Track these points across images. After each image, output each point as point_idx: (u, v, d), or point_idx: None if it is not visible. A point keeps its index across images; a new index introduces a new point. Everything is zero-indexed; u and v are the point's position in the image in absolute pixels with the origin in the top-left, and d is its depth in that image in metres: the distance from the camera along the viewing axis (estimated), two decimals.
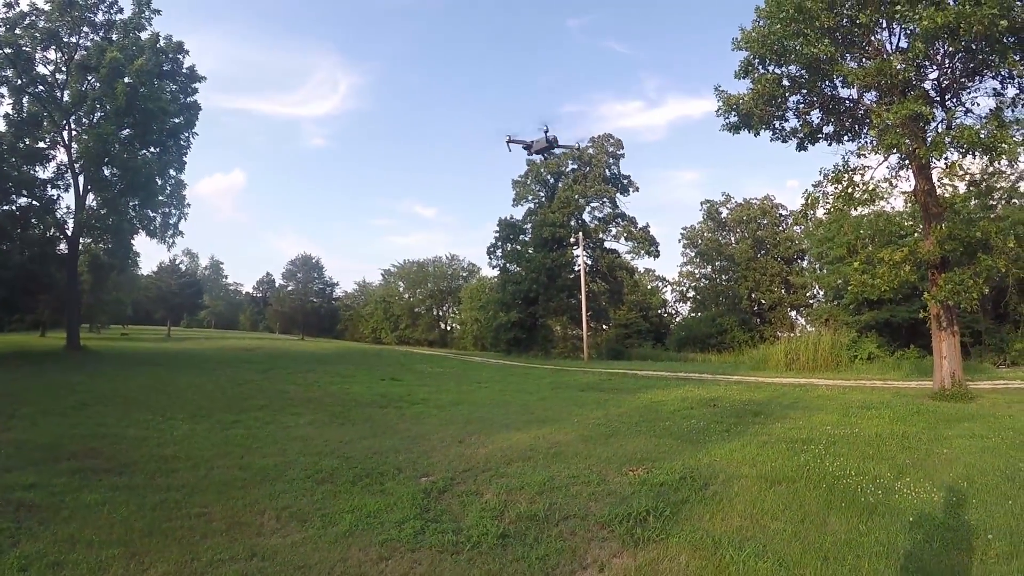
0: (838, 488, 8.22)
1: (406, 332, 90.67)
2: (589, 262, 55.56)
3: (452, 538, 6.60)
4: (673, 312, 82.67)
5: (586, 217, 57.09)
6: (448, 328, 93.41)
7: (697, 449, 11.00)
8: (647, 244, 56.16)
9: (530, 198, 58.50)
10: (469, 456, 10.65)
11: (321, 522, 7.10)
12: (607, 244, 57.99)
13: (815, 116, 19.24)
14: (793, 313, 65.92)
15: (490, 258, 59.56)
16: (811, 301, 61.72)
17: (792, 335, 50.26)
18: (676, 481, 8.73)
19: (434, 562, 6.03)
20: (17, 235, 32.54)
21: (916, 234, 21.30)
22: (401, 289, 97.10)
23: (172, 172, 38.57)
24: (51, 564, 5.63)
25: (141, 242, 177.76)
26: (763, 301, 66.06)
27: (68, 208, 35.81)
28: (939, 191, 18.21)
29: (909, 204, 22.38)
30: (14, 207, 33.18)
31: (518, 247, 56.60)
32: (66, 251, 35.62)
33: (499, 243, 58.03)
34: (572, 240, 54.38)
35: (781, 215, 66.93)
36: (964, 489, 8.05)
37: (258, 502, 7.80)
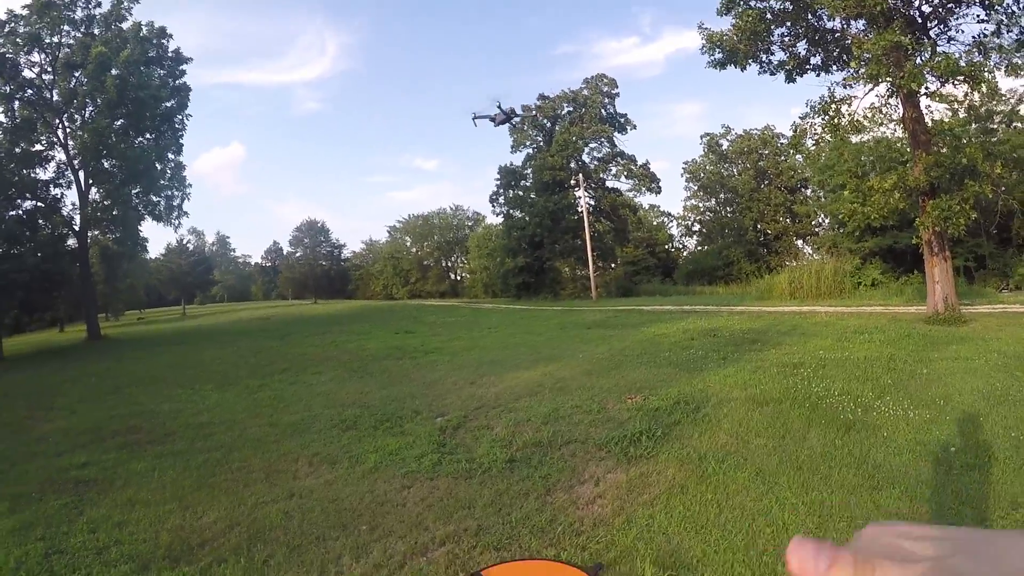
0: (821, 407, 8.86)
1: (417, 286, 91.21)
2: (592, 202, 55.70)
3: (466, 466, 7.37)
4: (680, 246, 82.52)
5: (585, 158, 57.07)
6: (458, 278, 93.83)
7: (693, 376, 11.68)
8: (648, 181, 56.29)
9: (528, 143, 58.40)
10: (480, 396, 11.43)
11: (349, 463, 7.88)
12: (608, 183, 58.10)
13: (801, 48, 19.19)
14: (799, 242, 65.83)
15: (493, 206, 59.89)
16: (816, 229, 61.75)
17: (797, 264, 50.53)
18: (670, 406, 9.45)
19: (450, 486, 6.79)
20: (27, 237, 32.86)
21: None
22: (408, 244, 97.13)
23: (170, 155, 38.86)
24: (116, 524, 6.33)
25: (148, 227, 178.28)
26: (768, 231, 66.04)
27: (73, 204, 36.19)
28: (928, 118, 18.37)
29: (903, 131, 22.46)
30: (20, 211, 33.54)
31: (520, 193, 56.67)
32: (76, 246, 36.15)
33: (501, 190, 58.17)
34: (573, 182, 54.40)
35: (782, 144, 66.49)
36: (940, 407, 8.57)
37: (291, 452, 8.59)
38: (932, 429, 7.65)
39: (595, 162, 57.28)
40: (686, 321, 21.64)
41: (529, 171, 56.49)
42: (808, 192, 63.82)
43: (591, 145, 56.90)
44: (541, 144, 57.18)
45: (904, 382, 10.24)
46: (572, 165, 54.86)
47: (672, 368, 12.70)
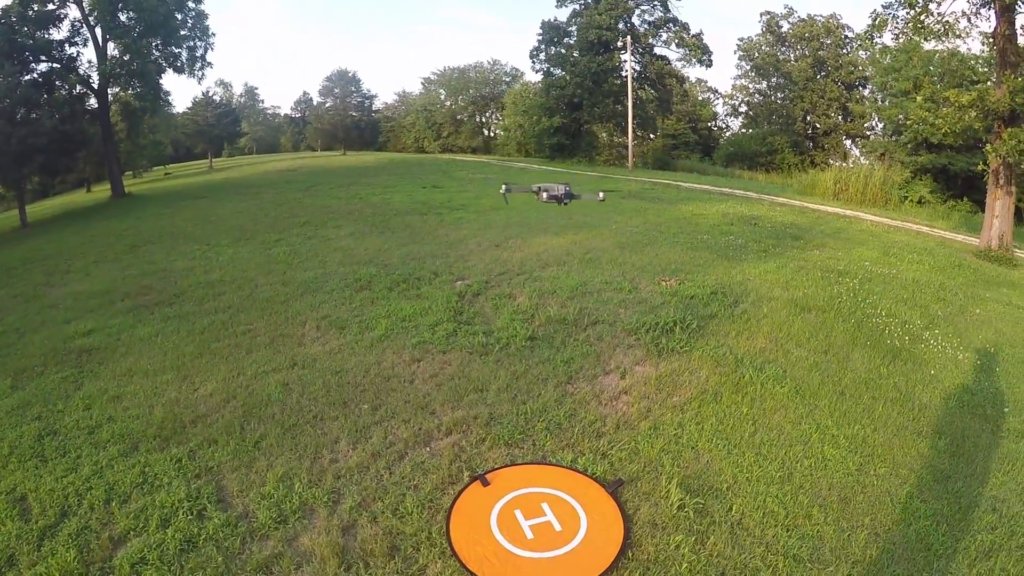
0: (866, 326, 8.14)
1: (449, 140, 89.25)
2: (637, 68, 52.92)
3: (482, 340, 6.86)
4: (723, 126, 79.05)
5: (635, 20, 53.58)
6: (492, 135, 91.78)
7: (732, 266, 10.93)
8: (699, 52, 53.14)
9: None
10: (505, 260, 10.83)
11: (358, 328, 7.45)
12: (657, 50, 54.80)
13: None
14: (848, 142, 62.78)
15: (533, 62, 57.06)
16: (868, 132, 58.62)
17: (844, 164, 48.55)
18: (707, 295, 8.77)
19: (463, 363, 6.32)
20: (44, 101, 31.82)
21: (990, 82, 19.58)
22: (442, 97, 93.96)
23: (191, 4, 36.89)
24: (111, 398, 6.04)
25: (172, 81, 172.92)
26: (818, 125, 63.03)
27: (90, 62, 34.79)
28: (1021, 38, 16.61)
29: (987, 48, 20.33)
30: (36, 74, 32.43)
31: (562, 51, 53.93)
32: (96, 105, 35.14)
33: (542, 46, 55.31)
34: (619, 44, 51.43)
35: (846, 37, 62.00)
36: (991, 354, 7.83)
37: (300, 314, 8.18)
38: (981, 378, 6.97)
39: (645, 26, 53.83)
40: (725, 204, 20.54)
41: (574, 28, 53.48)
42: (866, 92, 60.40)
43: (642, 7, 53.27)
44: (588, 0, 53.89)
45: (954, 317, 9.41)
46: (620, 26, 51.62)
47: (709, 253, 11.88)
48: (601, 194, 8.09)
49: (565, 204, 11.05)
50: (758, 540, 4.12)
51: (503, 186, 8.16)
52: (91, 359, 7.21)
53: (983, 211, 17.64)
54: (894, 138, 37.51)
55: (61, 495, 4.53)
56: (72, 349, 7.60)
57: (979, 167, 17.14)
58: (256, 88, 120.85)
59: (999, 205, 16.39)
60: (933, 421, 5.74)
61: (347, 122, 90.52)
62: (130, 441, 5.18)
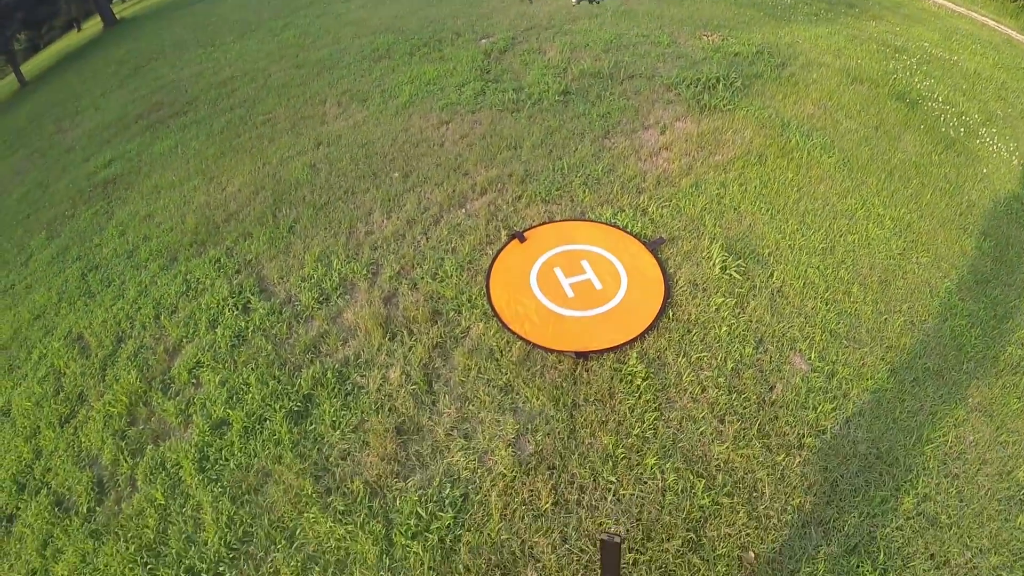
0: (921, 108, 7.52)
1: None
2: None
3: (512, 96, 6.53)
4: None
5: None
6: None
7: (780, 26, 9.98)
8: None
9: None
10: (531, 15, 10.05)
11: (381, 98, 7.13)
12: None
13: None
14: None
15: None
16: None
17: None
18: (752, 54, 8.11)
19: (494, 121, 6.06)
20: None
21: None
22: None
23: None
24: (143, 218, 6.00)
25: None
26: None
27: None
28: None
29: None
30: None
31: None
32: None
33: None
34: None
35: None
36: None
37: (318, 93, 7.83)
38: None
39: None
40: None
41: None
42: None
43: None
44: None
45: (1013, 119, 8.50)
46: None
47: (755, 10, 10.79)
48: None
49: (598, 3, 10.16)
50: (797, 310, 4.07)
51: None
52: (117, 187, 7.09)
53: None
54: None
55: (113, 323, 4.65)
56: (96, 184, 7.45)
57: None
58: None
59: None
60: (980, 221, 5.47)
61: None
62: (168, 254, 5.21)
